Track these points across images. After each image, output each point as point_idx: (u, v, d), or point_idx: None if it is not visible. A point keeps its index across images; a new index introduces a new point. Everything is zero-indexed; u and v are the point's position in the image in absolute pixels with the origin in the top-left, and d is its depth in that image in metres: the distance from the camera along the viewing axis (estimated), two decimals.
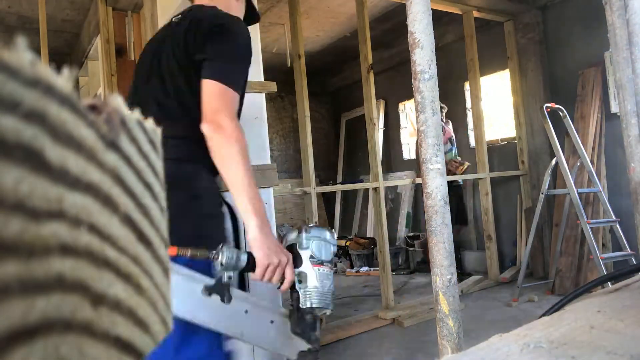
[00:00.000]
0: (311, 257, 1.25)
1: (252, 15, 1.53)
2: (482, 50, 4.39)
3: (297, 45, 3.40)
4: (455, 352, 1.00)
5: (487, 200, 4.23)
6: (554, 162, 3.58)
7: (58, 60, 4.45)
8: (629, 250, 3.28)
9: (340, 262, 5.70)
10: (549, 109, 3.55)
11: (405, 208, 5.93)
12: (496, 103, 5.04)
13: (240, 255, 1.12)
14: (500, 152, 4.80)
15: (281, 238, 1.30)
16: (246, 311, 1.15)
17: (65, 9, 3.74)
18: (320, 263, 1.25)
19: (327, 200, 6.98)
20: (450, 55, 5.00)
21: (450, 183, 4.48)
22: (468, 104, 5.06)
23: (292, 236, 1.27)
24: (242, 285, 1.35)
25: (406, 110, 6.28)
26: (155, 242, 0.25)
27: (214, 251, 1.08)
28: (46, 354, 0.16)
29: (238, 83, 1.20)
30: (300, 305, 1.23)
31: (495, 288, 4.04)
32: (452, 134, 4.70)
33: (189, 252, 1.04)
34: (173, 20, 1.38)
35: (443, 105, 4.39)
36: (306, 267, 1.26)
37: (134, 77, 1.42)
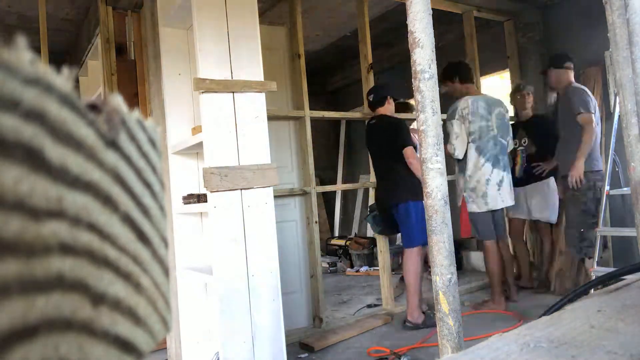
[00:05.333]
0: None
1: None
2: (482, 49, 4.39)
3: (297, 44, 3.40)
4: (455, 352, 1.00)
5: None
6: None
7: (58, 59, 4.45)
8: None
9: (341, 261, 5.70)
10: None
11: None
12: None
13: None
14: None
15: None
16: None
17: (65, 8, 3.73)
18: None
19: (327, 200, 6.97)
20: (451, 55, 4.99)
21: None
22: None
23: None
24: None
25: None
26: (155, 241, 0.25)
27: None
28: (46, 353, 0.16)
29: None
30: None
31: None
32: None
33: None
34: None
35: None
36: None
37: None
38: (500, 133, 3.42)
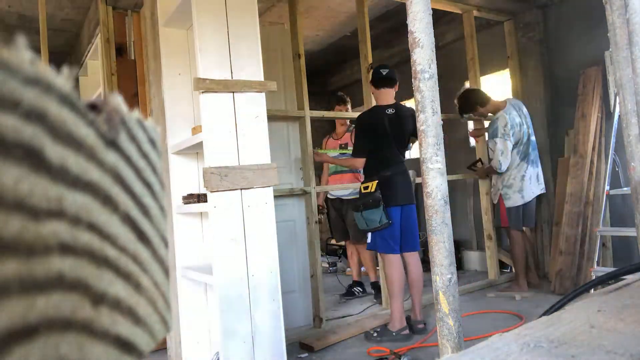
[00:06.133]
0: None
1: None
2: (482, 49, 4.39)
3: (297, 44, 3.40)
4: (455, 352, 1.00)
5: (487, 200, 4.23)
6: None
7: (58, 59, 4.45)
8: None
9: (341, 261, 5.70)
10: None
11: None
12: None
13: None
14: None
15: None
16: None
17: (65, 8, 3.73)
18: None
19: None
20: (450, 55, 4.99)
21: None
22: None
23: None
24: None
25: None
26: (155, 241, 0.25)
27: None
28: (46, 352, 0.16)
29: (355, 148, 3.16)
30: None
31: (495, 287, 4.04)
32: None
33: None
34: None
35: None
36: None
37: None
38: (531, 130, 3.82)
